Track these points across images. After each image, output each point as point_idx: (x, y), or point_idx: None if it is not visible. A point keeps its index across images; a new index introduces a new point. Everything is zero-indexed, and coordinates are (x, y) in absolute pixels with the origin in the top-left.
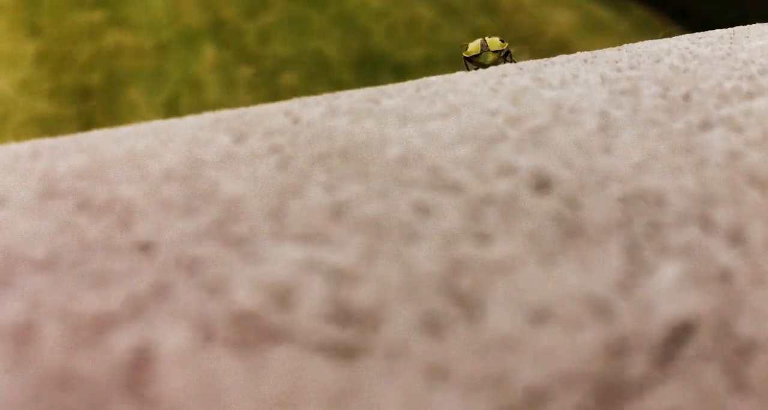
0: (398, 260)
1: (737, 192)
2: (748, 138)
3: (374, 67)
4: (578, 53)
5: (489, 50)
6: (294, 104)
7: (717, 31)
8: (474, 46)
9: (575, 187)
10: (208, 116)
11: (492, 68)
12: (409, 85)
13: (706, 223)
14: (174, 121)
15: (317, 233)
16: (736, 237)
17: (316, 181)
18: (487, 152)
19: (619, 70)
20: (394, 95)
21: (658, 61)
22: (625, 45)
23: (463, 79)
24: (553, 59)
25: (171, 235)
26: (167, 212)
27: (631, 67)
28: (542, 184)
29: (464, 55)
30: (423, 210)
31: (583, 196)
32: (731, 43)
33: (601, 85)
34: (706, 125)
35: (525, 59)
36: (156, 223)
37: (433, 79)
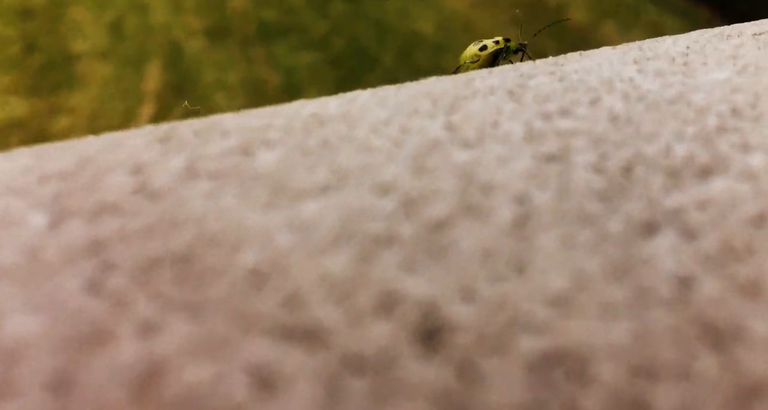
0: None
1: (686, 356)
2: (702, 251)
3: None
4: (507, 77)
5: (468, 62)
6: (152, 149)
7: (670, 44)
8: (470, 51)
9: (473, 341)
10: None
11: (409, 96)
12: (299, 121)
13: None
14: None
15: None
16: None
17: (135, 316)
18: (367, 267)
19: (547, 117)
20: (272, 143)
21: (596, 101)
22: (564, 59)
23: (368, 114)
24: (480, 84)
25: None
26: None
27: (563, 113)
28: (431, 334)
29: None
30: (263, 383)
31: (483, 360)
32: (684, 72)
33: (524, 142)
34: (649, 227)
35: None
36: None
37: (333, 108)
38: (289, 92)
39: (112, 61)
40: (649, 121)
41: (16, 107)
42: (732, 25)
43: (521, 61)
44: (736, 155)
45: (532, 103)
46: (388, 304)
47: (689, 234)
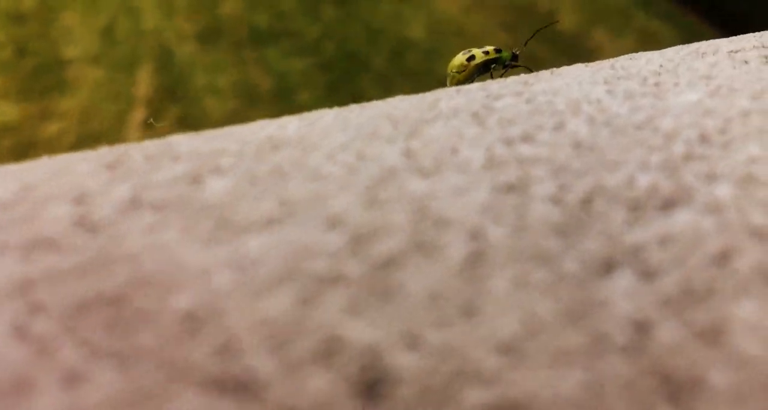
0: None
1: None
2: (660, 293)
3: None
4: (474, 97)
5: (455, 72)
6: (98, 176)
7: (644, 62)
8: (458, 61)
9: (417, 394)
10: None
11: (370, 117)
12: (254, 145)
13: None
14: None
15: None
16: None
17: (59, 365)
18: (309, 310)
19: (509, 143)
20: (223, 170)
21: (560, 126)
22: (535, 78)
23: (326, 138)
24: (445, 105)
25: None
26: None
27: (526, 139)
28: (372, 385)
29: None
30: None
31: None
32: (655, 95)
33: (483, 171)
34: (607, 266)
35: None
36: None
37: (292, 131)
38: (281, 96)
39: (104, 65)
40: (614, 148)
41: (6, 111)
42: (709, 41)
43: (517, 70)
44: (701, 186)
45: (496, 127)
46: (328, 352)
47: (648, 274)
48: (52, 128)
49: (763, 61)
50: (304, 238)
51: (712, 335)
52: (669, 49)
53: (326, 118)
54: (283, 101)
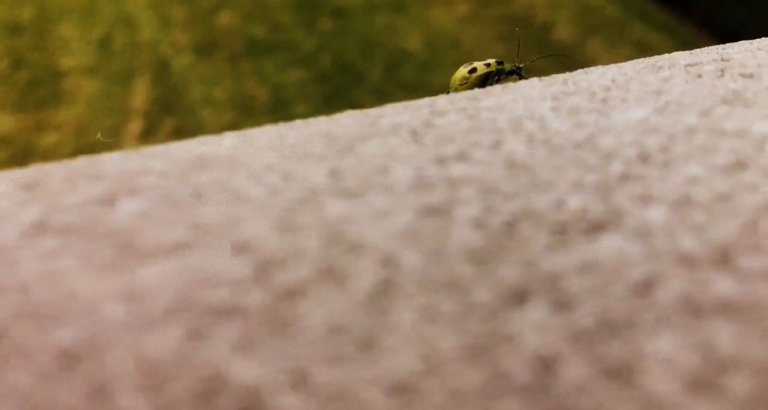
0: None
1: None
2: (573, 325)
3: (313, 10)
4: (418, 113)
5: (457, 84)
6: (12, 197)
7: (597, 76)
8: (460, 74)
9: None
10: None
11: (309, 134)
12: (182, 163)
13: None
14: None
15: None
16: None
17: None
18: (197, 345)
19: (442, 162)
20: (141, 191)
21: (497, 144)
22: (485, 93)
23: (257, 156)
24: (387, 122)
25: None
26: None
27: (460, 158)
28: None
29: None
30: None
31: None
32: (600, 111)
33: (409, 192)
34: (520, 295)
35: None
36: None
37: (225, 148)
38: (277, 108)
39: (100, 77)
40: (549, 168)
41: (2, 123)
42: (669, 55)
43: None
44: (633, 208)
45: (432, 145)
46: (207, 393)
47: (563, 304)
48: (48, 139)
49: (718, 75)
50: (209, 266)
51: (623, 373)
52: (628, 62)
53: (264, 134)
54: (279, 113)
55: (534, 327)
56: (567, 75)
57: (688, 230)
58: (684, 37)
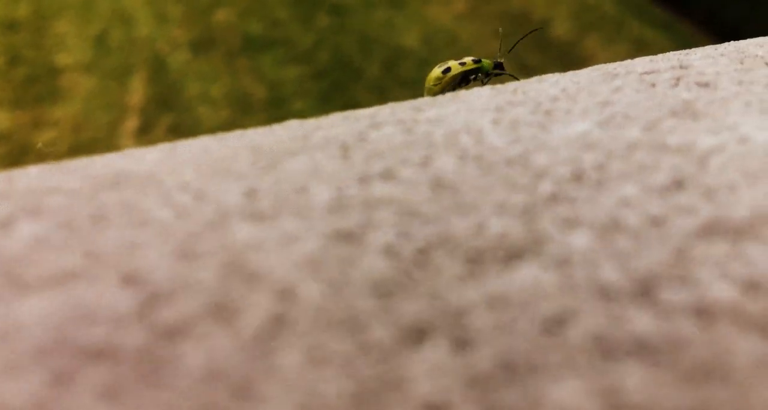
0: None
1: None
2: (469, 368)
3: (311, 6)
4: (354, 126)
5: (431, 84)
6: None
7: (547, 86)
8: (434, 73)
9: None
10: None
11: (236, 148)
12: (94, 181)
13: None
14: None
15: None
16: None
17: None
18: (58, 393)
19: (365, 181)
20: (43, 212)
21: (427, 162)
22: (432, 103)
23: (176, 172)
24: (320, 135)
25: None
26: None
27: (386, 176)
28: None
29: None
30: None
31: None
32: (541, 125)
33: (325, 214)
34: (420, 333)
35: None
36: None
37: (146, 164)
38: (275, 105)
39: (96, 74)
40: (475, 189)
41: None
42: (628, 61)
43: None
44: (557, 233)
45: (360, 162)
46: None
47: (464, 343)
48: (44, 136)
49: (672, 84)
50: (92, 300)
51: None
52: (586, 69)
53: (192, 148)
54: (277, 110)
55: (429, 370)
56: (520, 83)
57: (610, 258)
58: (682, 34)
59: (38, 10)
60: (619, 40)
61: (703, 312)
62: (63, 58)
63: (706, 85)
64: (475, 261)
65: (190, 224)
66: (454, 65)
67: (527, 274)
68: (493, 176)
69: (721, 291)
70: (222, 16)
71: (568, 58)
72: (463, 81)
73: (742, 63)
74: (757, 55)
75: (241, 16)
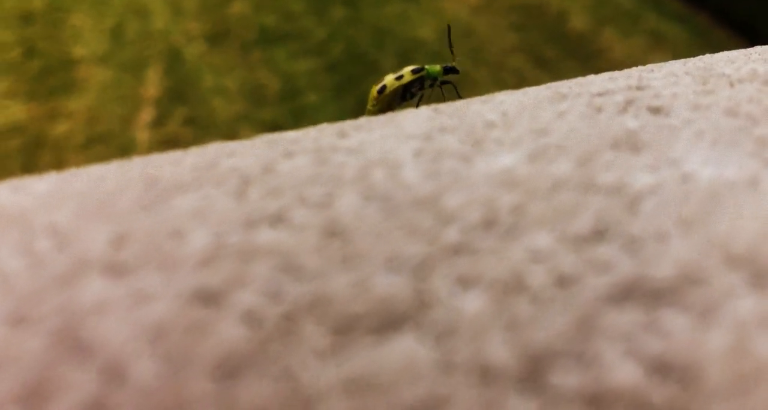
0: None
1: None
2: None
3: None
4: (267, 155)
5: (369, 106)
6: None
7: (488, 108)
8: (371, 93)
9: None
10: None
11: (130, 179)
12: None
13: None
14: None
15: None
16: None
17: None
18: None
19: (252, 225)
20: None
21: (328, 202)
22: (365, 125)
23: (42, 217)
24: (225, 163)
25: None
26: None
27: (276, 221)
28: None
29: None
30: None
31: None
32: (465, 157)
33: (192, 269)
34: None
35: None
36: None
37: (32, 195)
38: (288, 97)
39: (112, 66)
40: (370, 236)
41: (15, 111)
42: (587, 78)
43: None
44: (448, 296)
45: (255, 201)
46: None
47: None
48: (60, 128)
49: (620, 109)
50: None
51: None
52: (541, 86)
53: (87, 177)
54: (290, 102)
55: None
56: (462, 103)
57: (502, 330)
58: (699, 27)
59: (54, 2)
60: (635, 33)
61: (597, 402)
62: (78, 51)
63: (657, 110)
64: (344, 332)
65: (37, 280)
66: (389, 81)
67: (401, 350)
68: (395, 221)
69: (623, 374)
70: (237, 8)
71: (585, 51)
72: (406, 94)
73: (704, 83)
74: (723, 74)
75: (255, 9)
